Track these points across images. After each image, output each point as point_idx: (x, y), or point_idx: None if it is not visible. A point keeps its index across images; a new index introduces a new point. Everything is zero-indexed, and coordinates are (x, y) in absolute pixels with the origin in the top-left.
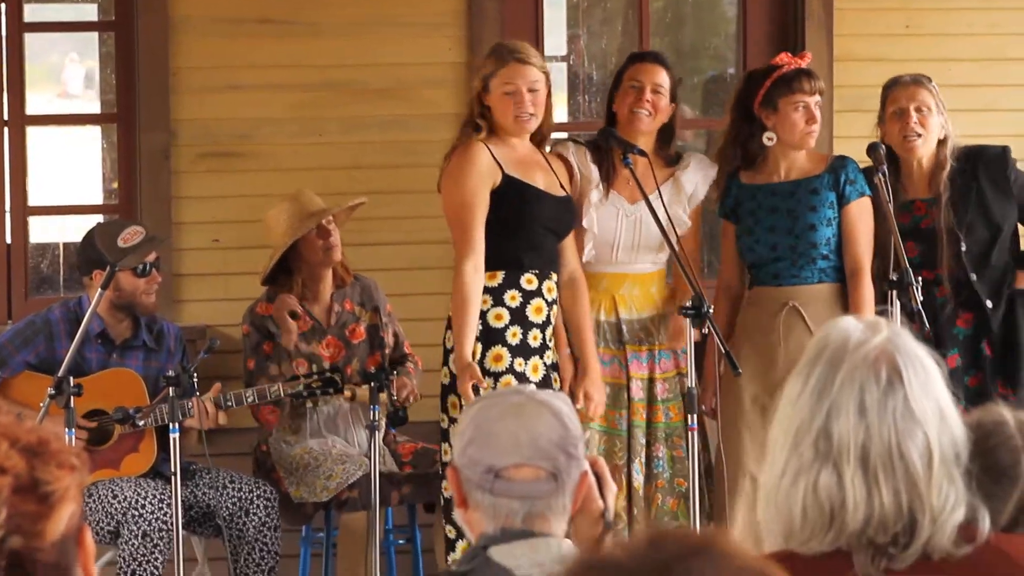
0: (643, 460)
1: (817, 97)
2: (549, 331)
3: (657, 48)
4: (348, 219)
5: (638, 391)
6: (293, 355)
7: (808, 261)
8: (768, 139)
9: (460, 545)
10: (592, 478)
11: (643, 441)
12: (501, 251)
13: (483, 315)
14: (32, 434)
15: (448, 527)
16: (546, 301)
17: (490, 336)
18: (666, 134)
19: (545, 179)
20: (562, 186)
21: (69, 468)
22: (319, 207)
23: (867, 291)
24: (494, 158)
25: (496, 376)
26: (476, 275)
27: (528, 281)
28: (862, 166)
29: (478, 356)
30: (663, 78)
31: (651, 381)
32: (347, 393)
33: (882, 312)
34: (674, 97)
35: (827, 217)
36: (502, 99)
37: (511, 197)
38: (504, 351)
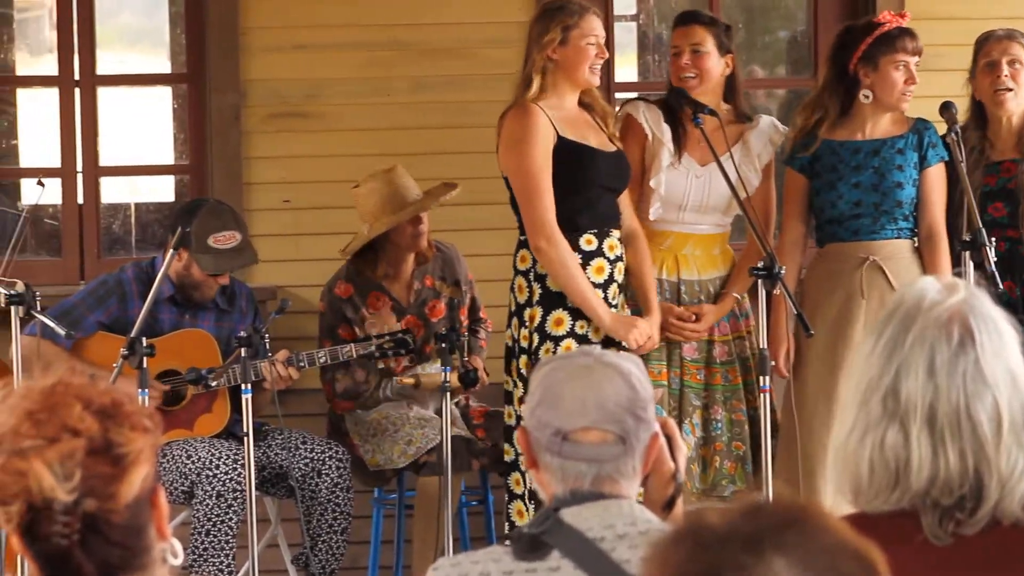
0: (694, 422)
1: (917, 58)
2: (613, 289)
3: (726, 7)
4: None
5: (692, 352)
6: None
7: (890, 219)
8: (864, 96)
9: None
10: (663, 440)
11: (696, 403)
12: (557, 214)
13: (543, 279)
14: (105, 396)
15: (515, 475)
16: (608, 259)
17: (551, 300)
18: (730, 86)
19: (596, 137)
20: (611, 139)
21: (142, 430)
22: (414, 196)
23: (945, 254)
24: (549, 120)
25: (557, 340)
26: (559, 247)
27: (587, 242)
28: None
29: (537, 320)
30: (700, 35)
31: (709, 343)
32: (410, 379)
33: (957, 274)
34: (727, 48)
35: (912, 177)
36: (581, 50)
37: (566, 159)
38: (565, 314)
